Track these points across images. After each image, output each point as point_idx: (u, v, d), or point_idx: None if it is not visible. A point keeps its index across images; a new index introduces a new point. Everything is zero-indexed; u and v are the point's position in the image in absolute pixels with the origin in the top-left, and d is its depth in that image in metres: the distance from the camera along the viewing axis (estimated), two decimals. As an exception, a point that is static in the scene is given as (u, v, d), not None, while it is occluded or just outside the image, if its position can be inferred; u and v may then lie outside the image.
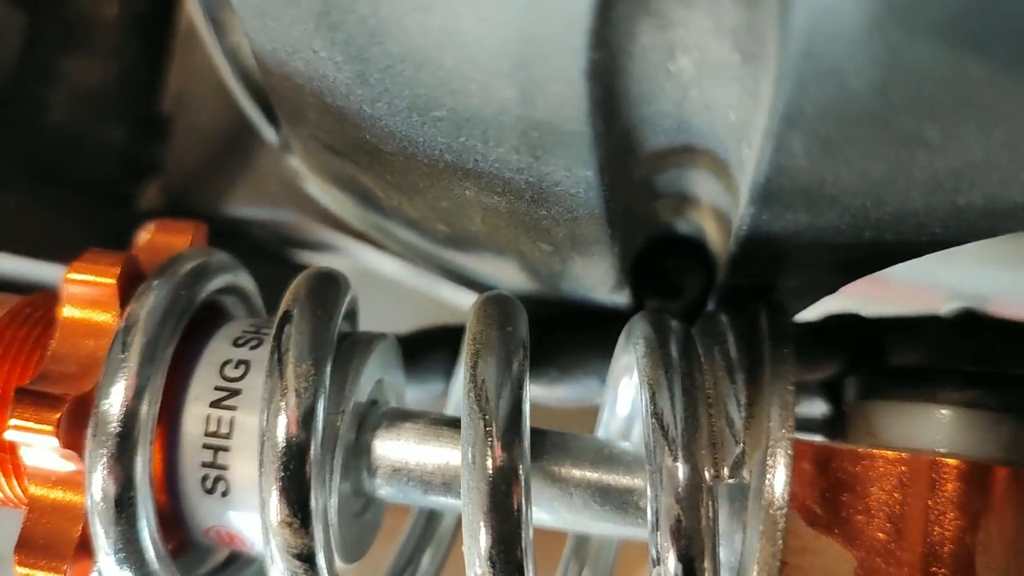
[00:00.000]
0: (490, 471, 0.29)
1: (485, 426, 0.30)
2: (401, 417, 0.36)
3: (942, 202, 0.27)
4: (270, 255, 0.65)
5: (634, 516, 0.34)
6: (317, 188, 0.52)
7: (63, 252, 0.37)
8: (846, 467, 0.32)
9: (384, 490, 0.36)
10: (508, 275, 0.44)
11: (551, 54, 0.25)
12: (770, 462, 0.30)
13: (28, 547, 0.32)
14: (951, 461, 0.32)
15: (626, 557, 0.43)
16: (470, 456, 0.30)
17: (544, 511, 0.35)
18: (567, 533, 0.41)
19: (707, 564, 0.29)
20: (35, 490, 0.33)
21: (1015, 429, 0.34)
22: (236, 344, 0.36)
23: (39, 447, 0.32)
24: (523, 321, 0.33)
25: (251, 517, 0.34)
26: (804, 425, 0.46)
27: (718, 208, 0.34)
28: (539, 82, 0.26)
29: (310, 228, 0.60)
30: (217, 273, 0.37)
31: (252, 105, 0.49)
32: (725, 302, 0.41)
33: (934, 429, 0.34)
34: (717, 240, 0.37)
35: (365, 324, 0.39)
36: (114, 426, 0.31)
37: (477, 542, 0.29)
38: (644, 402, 0.31)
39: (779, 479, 0.30)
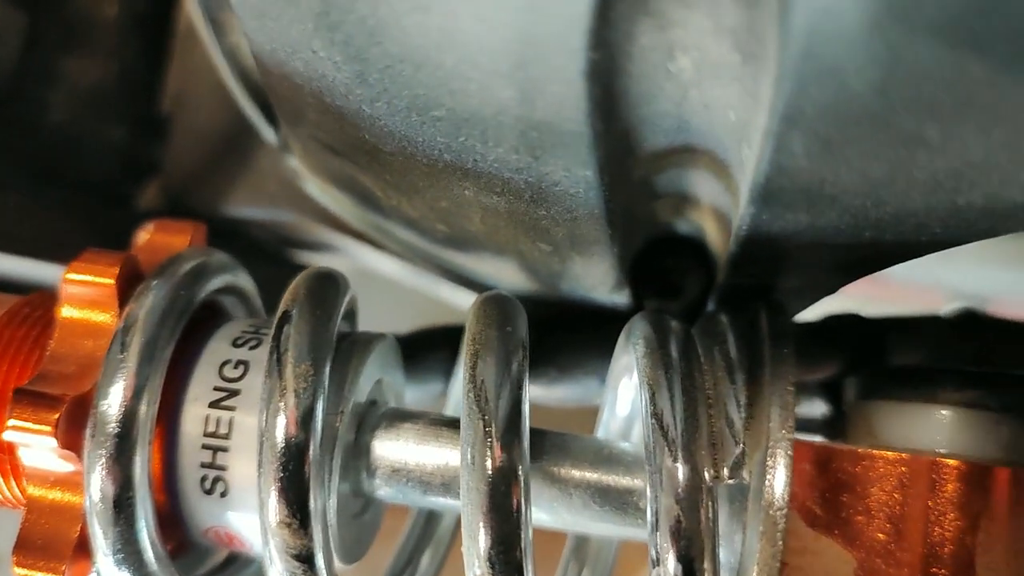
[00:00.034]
0: (489, 472, 0.29)
1: (484, 426, 0.30)
2: (400, 417, 0.36)
3: (942, 202, 0.27)
4: (269, 255, 0.65)
5: (634, 517, 0.34)
6: (316, 188, 0.52)
7: (62, 252, 0.37)
8: (846, 468, 0.32)
9: (383, 491, 0.36)
10: (507, 275, 0.44)
11: (550, 54, 0.25)
12: (770, 463, 0.30)
13: (26, 548, 0.32)
14: (951, 462, 0.32)
15: (626, 558, 0.43)
16: (469, 457, 0.30)
17: (543, 511, 0.35)
18: (566, 534, 0.41)
19: (707, 565, 0.29)
20: (33, 490, 0.33)
21: (1015, 429, 0.34)
22: (235, 344, 0.36)
23: (37, 447, 0.32)
24: (522, 321, 0.33)
25: (250, 518, 0.34)
26: (804, 425, 0.46)
27: (718, 208, 0.34)
28: (538, 82, 0.26)
29: (309, 228, 0.60)
30: (216, 273, 0.37)
31: (251, 105, 0.49)
32: (725, 302, 0.41)
33: (934, 429, 0.34)
34: (717, 240, 0.37)
35: (364, 324, 0.39)
36: (113, 426, 0.31)
37: (476, 543, 0.29)
38: (644, 402, 0.31)
39: (779, 480, 0.30)
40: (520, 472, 0.29)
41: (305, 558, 0.31)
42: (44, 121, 0.58)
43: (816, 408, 0.46)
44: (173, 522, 0.35)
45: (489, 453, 0.29)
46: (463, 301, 0.59)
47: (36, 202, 0.56)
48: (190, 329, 0.35)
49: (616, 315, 0.41)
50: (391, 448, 0.35)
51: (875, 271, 0.34)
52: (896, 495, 0.31)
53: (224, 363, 0.35)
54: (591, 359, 0.46)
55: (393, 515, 0.40)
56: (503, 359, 0.31)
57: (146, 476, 0.32)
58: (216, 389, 0.34)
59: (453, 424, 0.35)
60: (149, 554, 0.32)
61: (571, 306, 0.45)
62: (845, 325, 0.44)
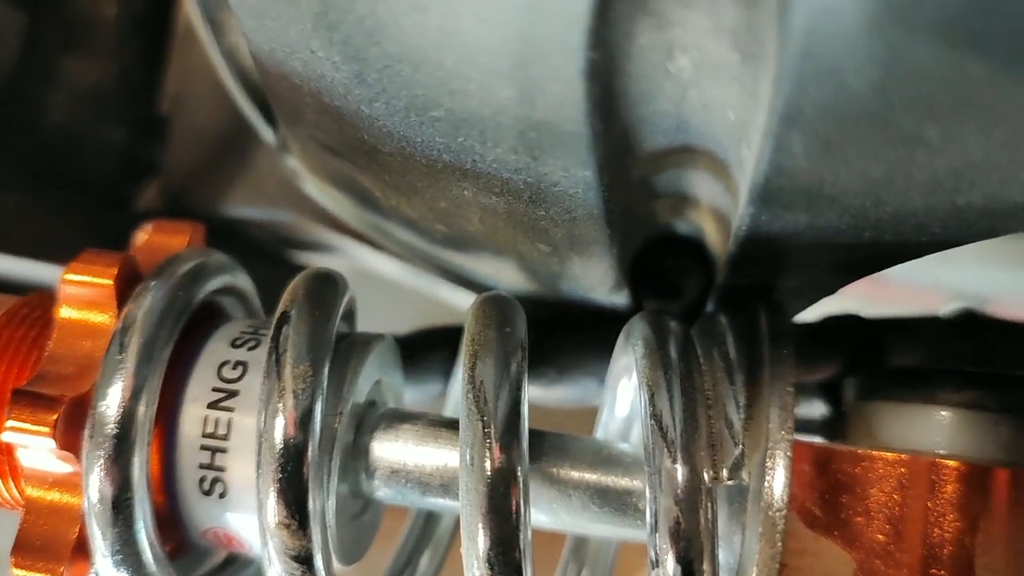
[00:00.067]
0: (488, 473, 0.29)
1: (483, 427, 0.30)
2: (399, 418, 0.36)
3: (942, 202, 0.27)
4: (268, 255, 0.65)
5: (633, 518, 0.34)
6: (315, 188, 0.52)
7: (61, 252, 0.37)
8: (845, 469, 0.32)
9: (382, 492, 0.36)
10: (506, 275, 0.44)
11: (550, 54, 0.25)
12: (769, 464, 0.30)
13: (25, 549, 0.32)
14: (951, 463, 0.32)
15: (625, 558, 0.42)
16: (468, 458, 0.30)
17: (543, 512, 0.35)
18: (566, 534, 0.40)
19: (706, 566, 0.29)
20: (32, 492, 0.33)
21: (1014, 430, 0.34)
22: (234, 345, 0.35)
23: (36, 448, 0.32)
24: (521, 322, 0.32)
25: (249, 519, 0.34)
26: (803, 426, 0.46)
27: (717, 208, 0.34)
28: (538, 82, 0.26)
29: (308, 228, 0.60)
30: (215, 274, 0.37)
31: (250, 105, 0.49)
32: (724, 303, 0.41)
33: (933, 430, 0.34)
34: (716, 240, 0.37)
35: (363, 324, 0.39)
36: (111, 427, 0.31)
37: (475, 544, 0.29)
38: (643, 403, 0.31)
39: (778, 481, 0.30)
40: (519, 473, 0.29)
41: (304, 559, 0.31)
42: (43, 122, 0.58)
43: (815, 409, 0.46)
44: (172, 523, 0.35)
45: (488, 454, 0.29)
46: (462, 301, 0.59)
47: (35, 202, 0.56)
48: (188, 330, 0.35)
49: (615, 316, 0.41)
50: (390, 449, 0.35)
51: (875, 271, 0.34)
52: (895, 496, 0.31)
53: (223, 364, 0.35)
54: (590, 360, 0.45)
55: (392, 516, 0.40)
56: (502, 360, 0.31)
57: (144, 477, 0.32)
58: (215, 390, 0.34)
59: (452, 425, 0.35)
60: (148, 555, 0.32)
61: (570, 307, 0.45)
62: (844, 326, 0.44)
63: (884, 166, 0.26)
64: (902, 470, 0.32)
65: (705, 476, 0.30)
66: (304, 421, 0.31)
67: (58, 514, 0.33)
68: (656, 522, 0.29)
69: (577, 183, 0.30)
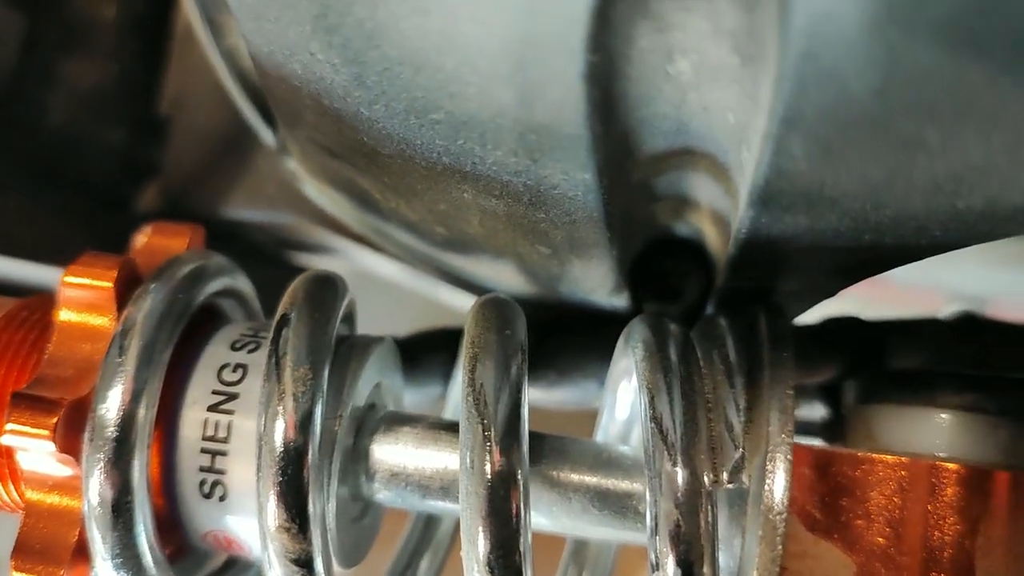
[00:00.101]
0: (488, 476, 0.29)
1: (483, 430, 0.30)
2: (399, 421, 0.36)
3: (942, 205, 0.27)
4: (267, 257, 0.65)
5: (633, 521, 0.34)
6: (315, 190, 0.52)
7: (61, 254, 0.37)
8: (846, 471, 0.32)
9: (382, 494, 0.36)
10: (506, 278, 0.44)
11: (549, 57, 0.25)
12: (769, 467, 0.30)
13: (25, 552, 0.32)
14: (951, 465, 0.32)
15: (624, 560, 0.42)
16: (468, 461, 0.29)
17: (543, 515, 0.35)
18: (565, 537, 0.40)
19: (706, 569, 0.29)
20: (32, 495, 0.33)
21: (1014, 433, 0.34)
22: (234, 348, 0.35)
23: (36, 451, 0.32)
24: (521, 324, 0.32)
25: (249, 522, 0.34)
26: (803, 428, 0.46)
27: (717, 211, 0.34)
28: (537, 85, 0.26)
29: (308, 230, 0.60)
30: (215, 276, 0.37)
31: (250, 107, 0.49)
32: (724, 305, 0.41)
33: (933, 433, 0.34)
34: (716, 243, 0.37)
35: (363, 326, 0.39)
36: (111, 430, 0.31)
37: (476, 547, 0.29)
38: (643, 406, 0.30)
39: (778, 484, 0.30)
40: (519, 476, 0.29)
41: (304, 562, 0.31)
42: (43, 123, 0.58)
43: (815, 411, 0.46)
44: (172, 526, 0.35)
45: (488, 457, 0.29)
46: (462, 303, 0.59)
47: (34, 204, 0.56)
48: (188, 332, 0.35)
49: (615, 318, 0.41)
50: (390, 452, 0.35)
51: (875, 274, 0.34)
52: (896, 499, 0.31)
53: (223, 367, 0.35)
54: (590, 362, 0.45)
55: (392, 519, 0.40)
56: (502, 363, 0.31)
57: (145, 480, 0.32)
58: (215, 393, 0.34)
59: (452, 428, 0.35)
60: (148, 558, 0.32)
61: (570, 309, 0.45)
62: (844, 328, 0.44)
63: (884, 169, 0.26)
64: (902, 473, 0.32)
65: (705, 479, 0.30)
66: (304, 424, 0.31)
67: (58, 517, 0.33)
68: (656, 525, 0.29)
69: (577, 186, 0.30)
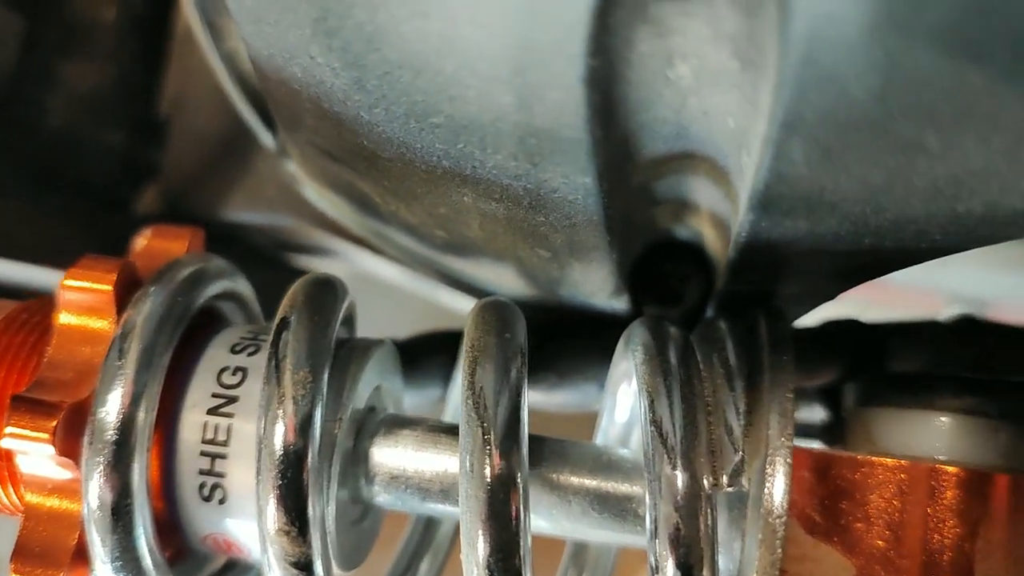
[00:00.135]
0: (488, 479, 0.29)
1: (483, 434, 0.30)
2: (399, 424, 0.36)
3: (942, 209, 0.27)
4: (267, 259, 0.65)
5: (633, 524, 0.34)
6: (314, 193, 0.52)
7: (60, 257, 0.37)
8: (845, 475, 0.32)
9: (382, 497, 0.36)
10: (506, 281, 0.44)
11: (549, 60, 0.25)
12: (769, 470, 0.30)
13: (24, 555, 0.32)
14: (950, 468, 0.32)
15: (624, 561, 0.42)
16: (468, 464, 0.30)
17: (542, 518, 0.35)
18: (565, 540, 0.40)
19: (706, 572, 0.29)
20: (31, 498, 0.33)
21: (1014, 436, 0.34)
22: (233, 351, 0.35)
23: (35, 455, 0.32)
24: (521, 327, 0.32)
25: (248, 525, 0.34)
26: (803, 431, 0.46)
27: (717, 214, 0.34)
28: (537, 89, 0.26)
29: (307, 233, 0.60)
30: (214, 279, 0.37)
31: (249, 110, 0.49)
32: (724, 308, 0.41)
33: (933, 436, 0.34)
34: (716, 246, 0.37)
35: (363, 328, 0.39)
36: (111, 434, 0.31)
37: (475, 550, 0.29)
38: (643, 410, 0.30)
39: (778, 487, 0.30)
40: (519, 479, 0.29)
41: (304, 565, 0.31)
42: (42, 125, 0.58)
43: (815, 414, 0.46)
44: (171, 529, 0.35)
45: (488, 460, 0.29)
46: (462, 305, 0.59)
47: (34, 206, 0.56)
48: (188, 335, 0.35)
49: (615, 321, 0.41)
50: (390, 455, 0.35)
51: (875, 277, 0.34)
52: (895, 502, 0.31)
53: (222, 370, 0.35)
54: (590, 365, 0.45)
55: (392, 521, 0.40)
56: (502, 366, 0.31)
57: (144, 483, 0.32)
58: (214, 396, 0.34)
59: (452, 431, 0.35)
60: (147, 561, 0.32)
61: (570, 312, 0.45)
62: (844, 331, 0.44)
63: (884, 173, 0.26)
64: (902, 476, 0.32)
65: (705, 482, 0.30)
66: (304, 427, 0.31)
67: (57, 520, 0.33)
68: (656, 528, 0.29)
69: (577, 189, 0.30)
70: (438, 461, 0.35)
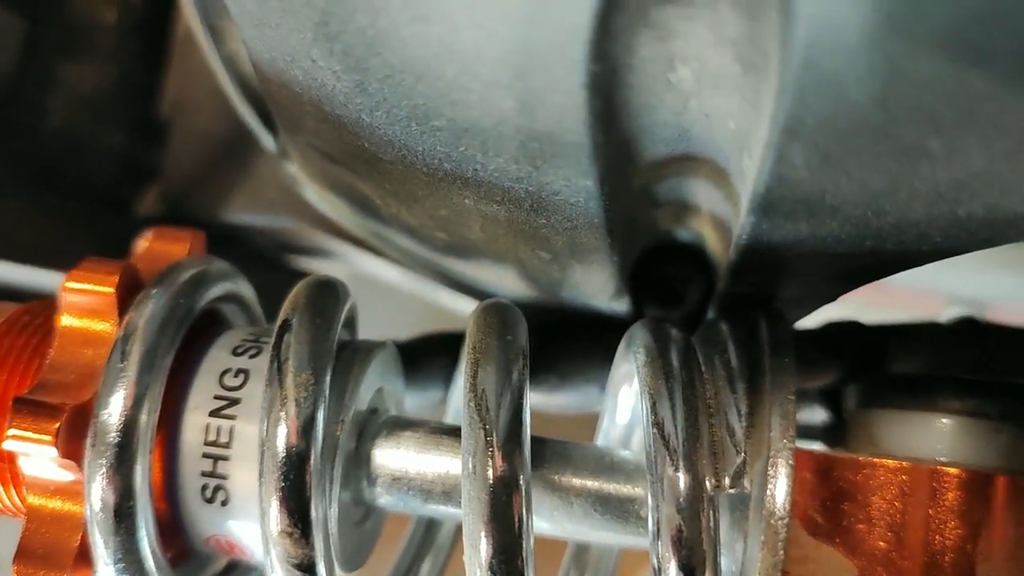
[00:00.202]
0: (491, 481, 0.29)
1: (486, 436, 0.30)
2: (401, 426, 0.36)
3: (943, 212, 0.27)
4: (268, 261, 0.65)
5: (635, 525, 0.34)
6: (315, 195, 0.52)
7: (61, 258, 0.37)
8: (847, 476, 0.32)
9: (384, 499, 0.36)
10: (507, 283, 0.44)
11: (551, 65, 0.25)
12: (771, 472, 0.30)
13: (27, 557, 0.32)
14: (952, 470, 0.32)
15: (625, 561, 0.43)
16: (471, 466, 0.30)
17: (545, 520, 0.35)
18: (567, 541, 0.41)
19: (708, 574, 0.29)
20: (34, 500, 0.33)
21: (1015, 437, 0.34)
22: (235, 353, 0.35)
23: (38, 457, 0.32)
24: (522, 329, 0.33)
25: (251, 526, 0.34)
26: (804, 432, 0.46)
27: (718, 217, 0.34)
28: (538, 93, 0.26)
29: (308, 234, 0.60)
30: (216, 281, 0.37)
31: (250, 112, 0.49)
32: (725, 310, 0.41)
33: (935, 438, 0.34)
34: (717, 248, 0.37)
35: (364, 330, 0.39)
36: (113, 436, 0.31)
37: (478, 552, 0.29)
38: (645, 411, 0.31)
39: (780, 489, 0.30)
40: (521, 481, 0.29)
41: (306, 567, 0.31)
42: (43, 126, 0.58)
43: (816, 415, 0.46)
44: (174, 531, 0.35)
45: (490, 462, 0.29)
46: (463, 307, 0.59)
47: (34, 207, 0.56)
48: (190, 338, 0.35)
49: (616, 323, 0.41)
50: (392, 456, 0.35)
51: (876, 279, 0.34)
52: (897, 503, 0.31)
53: (224, 372, 0.35)
54: (591, 367, 0.46)
55: (393, 522, 0.40)
56: (504, 368, 0.31)
57: (147, 485, 0.32)
58: (216, 398, 0.34)
59: (454, 432, 0.35)
60: (149, 563, 0.32)
61: (571, 313, 0.45)
62: (845, 332, 0.44)
63: (886, 177, 0.26)
64: (903, 477, 0.32)
65: (707, 484, 0.30)
66: (306, 429, 0.31)
67: (60, 522, 0.33)
68: (658, 530, 0.29)
69: (578, 192, 0.30)
70: (440, 463, 0.35)
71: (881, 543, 0.31)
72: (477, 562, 0.29)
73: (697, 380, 0.31)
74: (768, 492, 0.30)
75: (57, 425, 0.31)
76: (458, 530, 0.41)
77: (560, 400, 0.46)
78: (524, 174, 0.30)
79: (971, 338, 0.43)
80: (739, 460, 0.31)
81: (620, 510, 0.34)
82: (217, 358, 0.35)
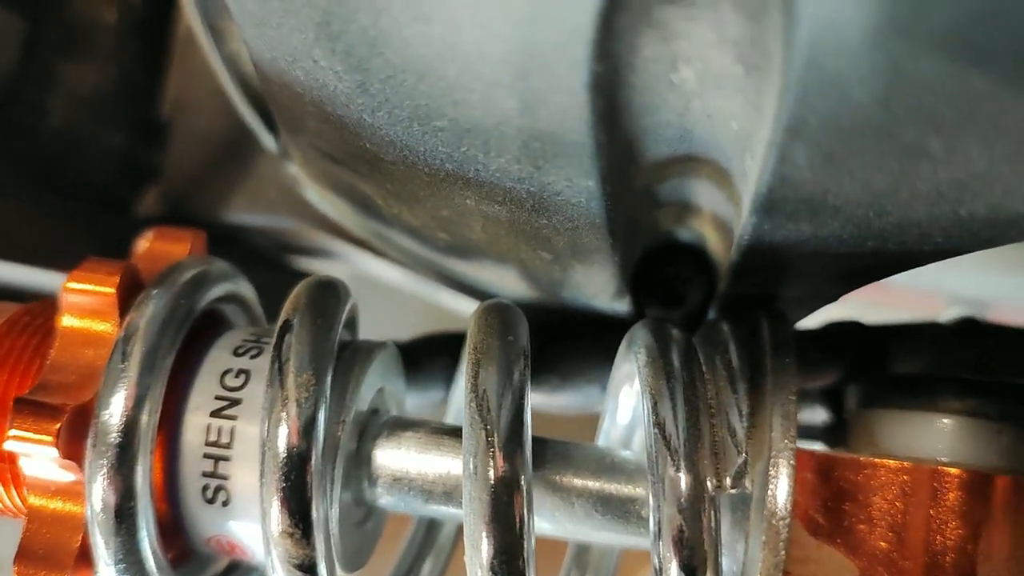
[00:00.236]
0: (492, 481, 0.29)
1: (487, 436, 0.30)
2: (402, 426, 0.36)
3: (945, 212, 0.27)
4: (269, 261, 0.65)
5: (636, 525, 0.34)
6: (316, 195, 0.52)
7: (61, 259, 0.37)
8: (848, 476, 0.32)
9: (385, 499, 0.36)
10: (509, 283, 0.44)
11: (553, 65, 0.25)
12: (772, 472, 0.30)
13: (28, 557, 0.32)
14: (953, 470, 0.32)
15: (626, 562, 0.43)
16: (472, 466, 0.30)
17: (545, 520, 0.35)
18: (568, 541, 0.41)
19: (710, 574, 0.29)
20: (34, 500, 0.33)
21: (1016, 437, 0.34)
22: (236, 353, 0.35)
23: (38, 457, 0.32)
24: (524, 330, 0.33)
25: (252, 527, 0.34)
26: (805, 432, 0.46)
27: (720, 217, 0.34)
28: (541, 93, 0.26)
29: (309, 235, 0.60)
30: (217, 282, 0.37)
31: (251, 112, 0.49)
32: (726, 311, 0.41)
33: (936, 438, 0.34)
34: (719, 249, 0.37)
35: (365, 330, 0.39)
36: (114, 436, 0.31)
37: (479, 552, 0.29)
38: (646, 412, 0.31)
39: (781, 489, 0.30)
40: (522, 482, 0.29)
41: (307, 567, 0.31)
42: (43, 126, 0.58)
43: (817, 415, 0.46)
44: (174, 531, 0.35)
45: (491, 463, 0.29)
46: (464, 308, 0.59)
47: (34, 208, 0.56)
48: (191, 338, 0.35)
49: (617, 323, 0.41)
50: (393, 457, 0.35)
51: (877, 280, 0.34)
52: (898, 504, 0.31)
53: (225, 372, 0.35)
54: (592, 367, 0.46)
55: (395, 522, 0.40)
56: (505, 368, 0.31)
57: (147, 485, 0.32)
58: (217, 398, 0.34)
59: (454, 433, 0.35)
60: (151, 563, 0.32)
61: (572, 314, 0.45)
62: (846, 332, 0.44)
63: (887, 177, 0.26)
64: (904, 478, 0.32)
65: (708, 484, 0.30)
66: (307, 430, 0.31)
67: (61, 523, 0.33)
68: (660, 530, 0.29)
69: (580, 192, 0.30)
70: (441, 463, 0.35)
71: (882, 543, 0.31)
72: (478, 563, 0.29)
73: (698, 380, 0.31)
74: (769, 492, 0.30)
75: (58, 426, 0.31)
76: (459, 531, 0.41)
77: (561, 400, 0.46)
78: (526, 174, 0.30)
79: (972, 338, 0.43)
80: (740, 460, 0.31)
81: (621, 510, 0.34)
82: (218, 358, 0.35)
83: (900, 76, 0.22)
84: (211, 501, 0.34)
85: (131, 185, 0.61)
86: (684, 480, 0.29)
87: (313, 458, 0.31)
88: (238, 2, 0.30)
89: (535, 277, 0.41)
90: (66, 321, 0.34)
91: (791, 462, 0.30)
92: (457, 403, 0.43)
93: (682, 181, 0.32)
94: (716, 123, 0.27)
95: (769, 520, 0.30)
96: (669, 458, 0.30)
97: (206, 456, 0.34)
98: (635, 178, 0.32)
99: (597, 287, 0.40)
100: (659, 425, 0.30)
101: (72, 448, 0.32)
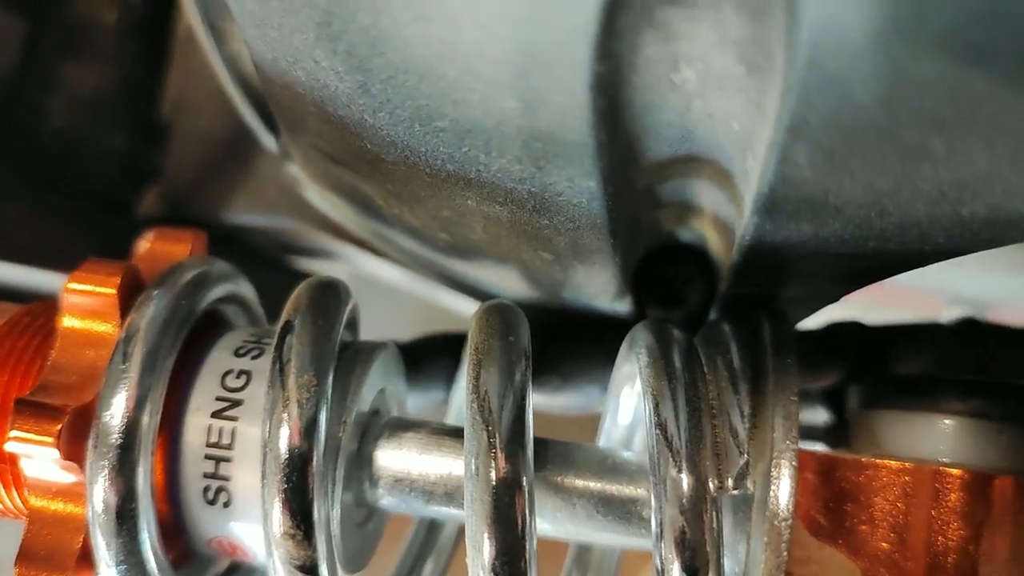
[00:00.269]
0: (493, 482, 0.29)
1: (488, 437, 0.30)
2: (403, 427, 0.36)
3: (946, 213, 0.27)
4: (269, 262, 0.65)
5: (637, 526, 0.34)
6: (317, 195, 0.52)
7: (62, 259, 0.37)
8: (850, 477, 0.32)
9: (386, 500, 0.36)
10: (510, 283, 0.44)
11: (554, 65, 0.25)
12: (774, 473, 0.30)
13: (29, 559, 0.32)
14: (955, 471, 0.32)
15: (627, 563, 0.43)
16: (473, 467, 0.30)
17: (547, 521, 0.35)
18: (569, 542, 0.40)
19: (712, 575, 0.29)
20: (36, 501, 0.33)
21: (1017, 438, 0.34)
22: (237, 354, 0.35)
23: (39, 458, 0.32)
24: (525, 330, 0.32)
25: (253, 528, 0.34)
26: (806, 433, 0.46)
27: (721, 217, 0.34)
28: (542, 93, 0.26)
29: (310, 235, 0.60)
30: (217, 282, 0.37)
31: (251, 113, 0.49)
32: (728, 311, 0.41)
33: (937, 439, 0.34)
34: (720, 249, 0.37)
35: (365, 330, 0.39)
36: (115, 437, 0.31)
37: (481, 554, 0.29)
38: (648, 413, 0.31)
39: (783, 490, 0.30)
40: (524, 483, 0.29)
41: (309, 568, 0.31)
42: (43, 127, 0.58)
43: (818, 416, 0.46)
44: (176, 532, 0.35)
45: (493, 464, 0.29)
46: (465, 308, 0.59)
47: (35, 208, 0.56)
48: (191, 339, 0.35)
49: (618, 323, 0.41)
50: (394, 458, 0.35)
51: (878, 280, 0.34)
52: (899, 504, 0.31)
53: (226, 373, 0.35)
54: (593, 367, 0.45)
55: (395, 522, 0.40)
56: (506, 369, 0.31)
57: (149, 487, 0.32)
58: (218, 399, 0.34)
59: (456, 434, 0.35)
60: (152, 564, 0.32)
61: (573, 314, 0.45)
62: (847, 333, 0.44)
63: (889, 177, 0.26)
64: (906, 478, 0.32)
65: (710, 485, 0.30)
66: (309, 431, 0.31)
67: (62, 524, 0.33)
68: (661, 531, 0.29)
69: (581, 193, 0.30)
70: (442, 464, 0.35)
71: (884, 544, 0.31)
72: (480, 564, 0.29)
73: (700, 381, 0.31)
74: (771, 493, 0.30)
75: (59, 427, 0.31)
76: (460, 532, 0.41)
77: (562, 401, 0.46)
78: (527, 175, 0.30)
79: (973, 339, 0.43)
80: (742, 461, 0.31)
81: (623, 511, 0.34)
82: (219, 359, 0.35)
83: (901, 76, 0.22)
84: (212, 502, 0.34)
85: (131, 186, 0.61)
86: (686, 481, 0.29)
87: (314, 459, 0.30)
88: (239, 2, 0.30)
89: (536, 277, 0.41)
90: (67, 322, 0.34)
91: (793, 463, 0.30)
92: (458, 404, 0.43)
93: (683, 181, 0.32)
94: (718, 123, 0.27)
95: (771, 521, 0.30)
96: (671, 459, 0.30)
97: (207, 457, 0.34)
98: (636, 178, 0.32)
99: (598, 287, 0.40)
100: (661, 426, 0.30)
101: (73, 449, 0.32)
